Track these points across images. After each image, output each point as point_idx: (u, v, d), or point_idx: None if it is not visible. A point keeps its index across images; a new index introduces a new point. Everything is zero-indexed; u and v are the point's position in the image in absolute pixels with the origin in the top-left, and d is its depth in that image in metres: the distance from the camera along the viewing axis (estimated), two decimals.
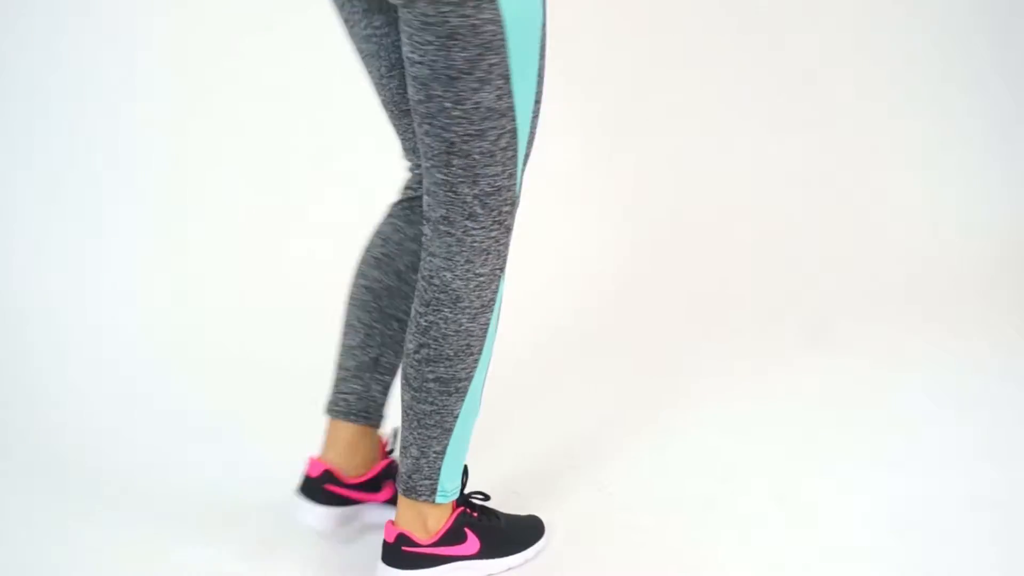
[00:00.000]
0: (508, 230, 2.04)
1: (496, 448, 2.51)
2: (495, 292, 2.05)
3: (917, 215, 3.87)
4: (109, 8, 3.38)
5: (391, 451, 2.36)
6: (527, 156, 2.01)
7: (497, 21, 1.85)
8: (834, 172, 3.90)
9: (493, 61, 1.87)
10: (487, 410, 2.52)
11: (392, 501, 2.34)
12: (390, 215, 2.28)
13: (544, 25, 1.93)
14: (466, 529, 2.20)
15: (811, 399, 2.94)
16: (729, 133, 3.84)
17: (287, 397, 2.90)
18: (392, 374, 2.29)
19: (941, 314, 3.46)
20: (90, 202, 3.39)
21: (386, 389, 2.30)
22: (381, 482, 2.33)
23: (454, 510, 2.20)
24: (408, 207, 2.26)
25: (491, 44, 1.86)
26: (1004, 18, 3.93)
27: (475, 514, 2.23)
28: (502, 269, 2.06)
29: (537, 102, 1.98)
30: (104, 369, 3.04)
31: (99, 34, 3.38)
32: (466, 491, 2.32)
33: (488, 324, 2.07)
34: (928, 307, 3.51)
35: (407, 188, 2.28)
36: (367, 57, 2.14)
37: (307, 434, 2.71)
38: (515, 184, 2.00)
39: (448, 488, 2.15)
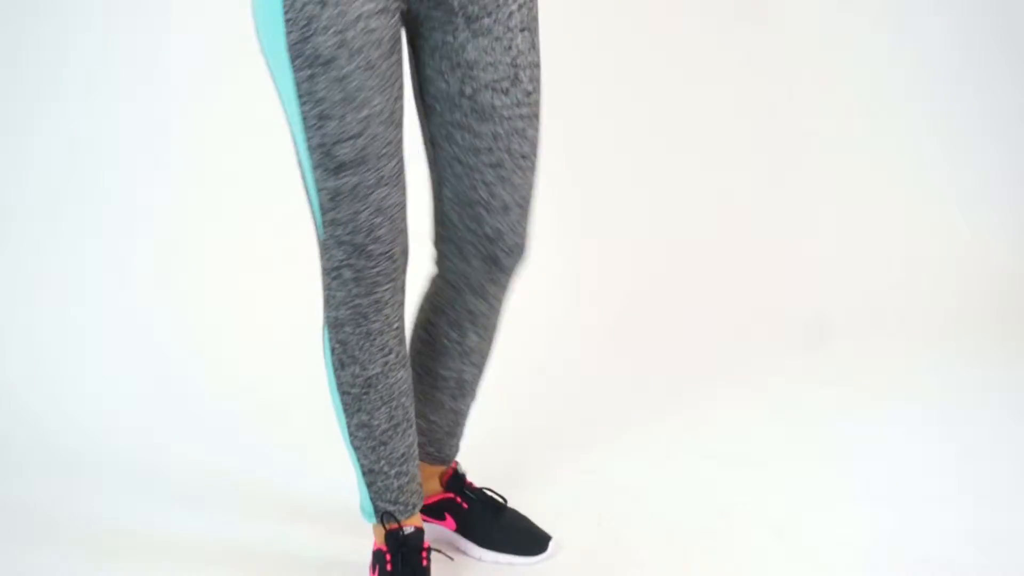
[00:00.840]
0: (325, 272, 1.94)
1: (492, 478, 2.49)
2: (322, 340, 2.00)
3: (920, 224, 3.84)
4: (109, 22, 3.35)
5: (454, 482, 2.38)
6: (324, 208, 1.86)
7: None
8: (836, 181, 3.87)
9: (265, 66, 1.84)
10: (481, 438, 2.49)
11: (458, 531, 2.35)
12: None
13: (304, 44, 1.77)
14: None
15: (812, 421, 2.92)
16: (728, 139, 3.81)
17: (282, 425, 2.91)
18: (422, 418, 2.26)
19: (945, 326, 3.44)
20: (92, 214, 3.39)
21: (422, 431, 2.27)
22: (442, 511, 2.35)
23: (384, 546, 2.15)
24: None
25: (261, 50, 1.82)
26: (1012, 20, 3.90)
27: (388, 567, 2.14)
28: (324, 324, 1.98)
29: (314, 140, 1.82)
30: (103, 397, 3.04)
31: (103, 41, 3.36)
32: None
33: (326, 375, 2.04)
34: (931, 318, 3.48)
35: None
36: None
37: (302, 462, 2.70)
38: (315, 219, 1.90)
39: (363, 506, 2.15)
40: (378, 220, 1.86)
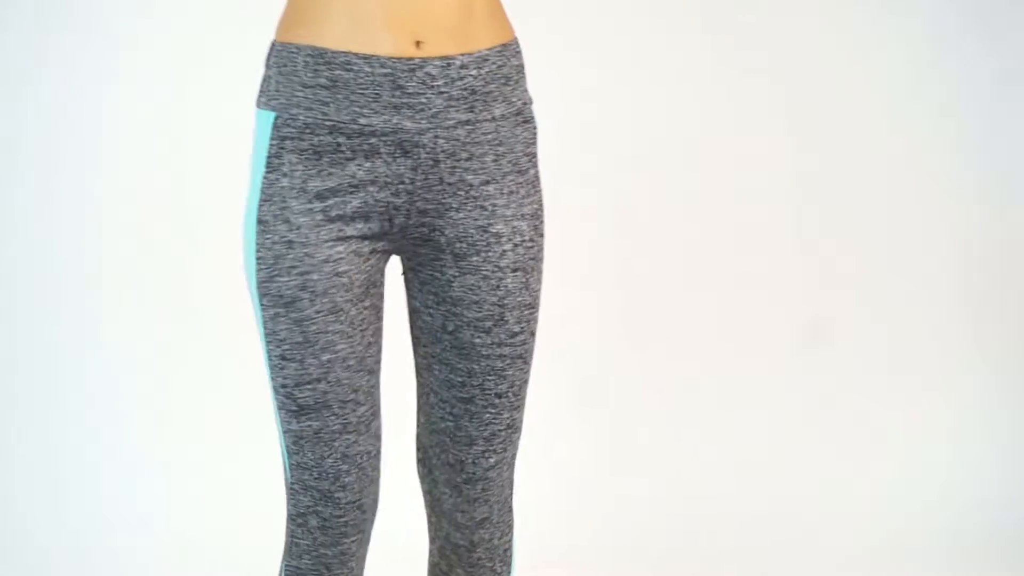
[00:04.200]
0: (290, 518, 1.84)
1: None
2: None
3: (924, 223, 3.81)
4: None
5: None
6: (290, 451, 1.80)
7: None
8: (836, 177, 3.84)
9: None
10: None
11: None
12: None
13: (269, 283, 1.74)
14: None
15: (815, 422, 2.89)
16: (726, 135, 3.78)
17: None
18: None
19: (948, 325, 3.39)
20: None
21: None
22: None
23: None
24: None
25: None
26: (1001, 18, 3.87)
27: None
28: (282, 574, 1.87)
29: (277, 380, 1.77)
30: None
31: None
32: None
33: None
34: (932, 317, 3.44)
35: None
36: None
37: None
38: (283, 462, 1.84)
39: None
40: (345, 467, 1.80)
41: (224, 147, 3.29)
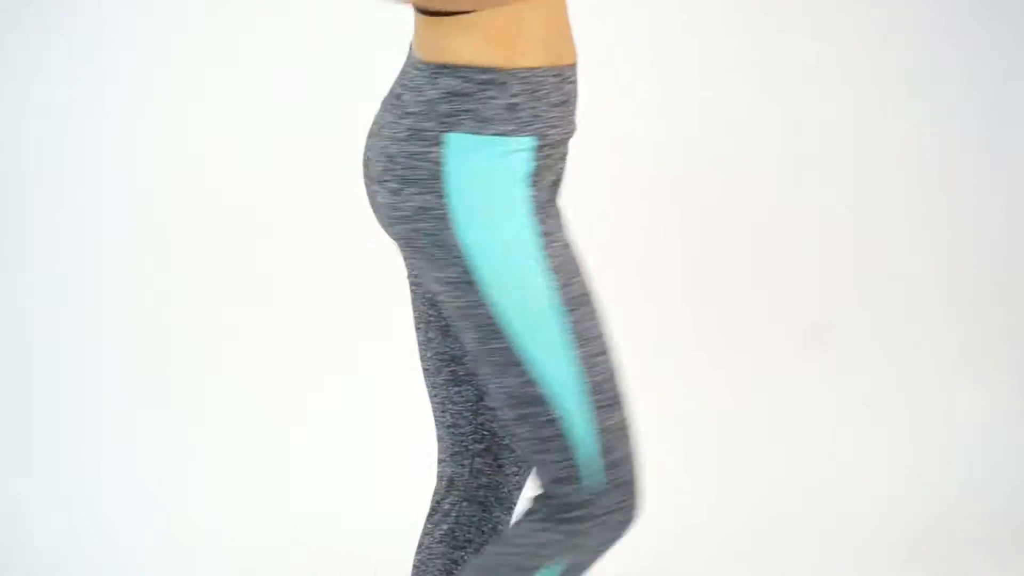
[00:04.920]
0: (587, 519, 1.76)
1: None
2: None
3: (927, 225, 3.81)
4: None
5: None
6: (607, 450, 1.75)
7: (466, 283, 1.71)
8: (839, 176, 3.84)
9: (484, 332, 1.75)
10: None
11: None
12: None
13: (570, 286, 1.72)
14: None
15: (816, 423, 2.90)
16: (725, 135, 3.78)
17: None
18: None
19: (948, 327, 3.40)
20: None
21: None
22: None
23: None
24: None
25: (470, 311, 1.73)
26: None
27: None
28: (556, 568, 1.79)
29: (595, 378, 1.72)
30: None
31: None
32: None
33: None
34: (933, 318, 3.45)
35: None
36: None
37: None
38: (586, 471, 1.76)
39: None
40: (636, 452, 1.81)
41: (224, 147, 3.34)
